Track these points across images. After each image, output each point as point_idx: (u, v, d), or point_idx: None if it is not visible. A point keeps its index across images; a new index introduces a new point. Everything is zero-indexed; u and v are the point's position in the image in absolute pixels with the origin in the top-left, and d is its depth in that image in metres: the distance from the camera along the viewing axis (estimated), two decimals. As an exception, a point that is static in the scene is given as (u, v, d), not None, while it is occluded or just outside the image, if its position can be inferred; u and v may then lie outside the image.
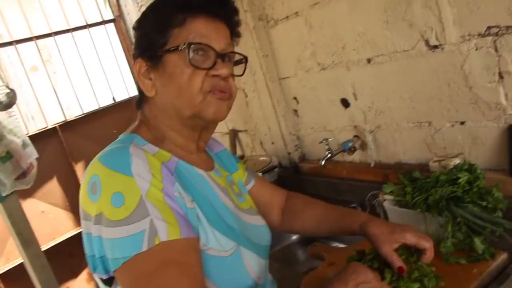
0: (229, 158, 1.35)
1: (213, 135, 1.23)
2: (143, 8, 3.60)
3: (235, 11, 1.12)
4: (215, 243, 0.98)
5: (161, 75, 1.03)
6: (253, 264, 1.07)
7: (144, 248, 0.84)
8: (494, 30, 1.35)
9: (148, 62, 1.05)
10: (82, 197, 0.94)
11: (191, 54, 1.00)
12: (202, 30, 1.02)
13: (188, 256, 0.89)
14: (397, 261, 1.06)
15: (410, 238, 1.10)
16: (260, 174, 2.21)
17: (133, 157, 0.91)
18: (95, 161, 0.94)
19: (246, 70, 1.16)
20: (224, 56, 1.05)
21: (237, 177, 1.31)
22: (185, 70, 1.00)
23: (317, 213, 1.36)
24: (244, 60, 1.15)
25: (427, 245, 1.10)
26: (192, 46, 1.00)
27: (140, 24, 1.08)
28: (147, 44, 1.05)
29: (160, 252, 0.85)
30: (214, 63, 1.02)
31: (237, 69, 1.14)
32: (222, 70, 1.02)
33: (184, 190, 0.97)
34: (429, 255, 1.10)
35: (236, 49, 1.15)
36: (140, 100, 1.12)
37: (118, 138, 1.06)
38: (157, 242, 0.85)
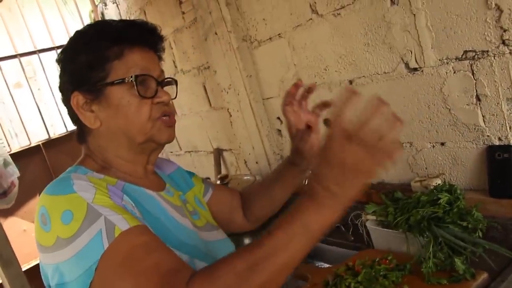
0: (183, 177, 1.36)
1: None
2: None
3: (161, 39, 1.17)
4: None
5: (106, 107, 1.05)
6: None
7: (106, 245, 0.84)
8: (471, 54, 1.39)
9: (87, 95, 1.05)
10: (36, 232, 0.94)
11: (137, 86, 1.04)
12: (141, 61, 1.07)
13: (150, 236, 0.90)
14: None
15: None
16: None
17: (74, 179, 0.94)
18: (41, 196, 0.95)
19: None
20: (162, 83, 1.10)
21: (191, 195, 1.32)
22: (132, 101, 1.04)
23: (264, 189, 1.40)
24: (175, 83, 1.20)
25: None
26: (138, 78, 1.04)
27: (71, 59, 1.08)
28: (84, 79, 1.05)
29: (125, 240, 0.86)
30: (156, 91, 1.07)
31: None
32: (165, 97, 1.08)
33: (132, 206, 0.99)
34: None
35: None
36: (81, 133, 1.13)
37: (63, 173, 1.07)
38: (118, 233, 0.86)
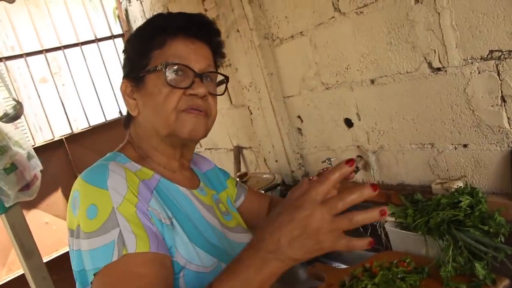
0: (218, 176, 1.36)
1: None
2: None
3: (217, 33, 1.15)
4: (196, 259, 0.99)
5: (143, 95, 1.07)
6: None
7: (114, 259, 0.85)
8: (497, 54, 1.35)
9: (131, 83, 1.09)
10: (68, 214, 0.96)
11: (169, 74, 1.03)
12: (181, 51, 1.05)
13: (153, 269, 0.89)
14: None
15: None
16: (262, 191, 2.20)
17: (110, 172, 0.94)
18: (78, 178, 0.96)
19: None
20: (202, 76, 1.07)
21: (224, 196, 1.32)
22: (162, 89, 1.03)
23: None
24: (226, 80, 1.17)
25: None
26: (168, 66, 1.03)
27: (125, 47, 1.14)
28: (131, 66, 1.10)
29: (126, 263, 0.86)
30: (192, 83, 1.04)
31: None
32: (199, 89, 1.04)
33: (162, 207, 0.99)
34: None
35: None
36: (128, 119, 1.16)
37: (104, 157, 1.09)
38: (124, 253, 0.86)
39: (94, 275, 0.86)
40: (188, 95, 1.04)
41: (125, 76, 1.11)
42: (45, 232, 3.53)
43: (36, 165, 2.58)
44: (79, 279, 0.92)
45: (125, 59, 1.13)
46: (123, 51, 1.14)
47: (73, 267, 0.97)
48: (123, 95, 1.10)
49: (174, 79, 1.03)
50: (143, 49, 1.07)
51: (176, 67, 1.04)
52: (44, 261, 2.74)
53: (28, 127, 3.70)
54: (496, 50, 1.36)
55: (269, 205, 1.46)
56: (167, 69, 1.03)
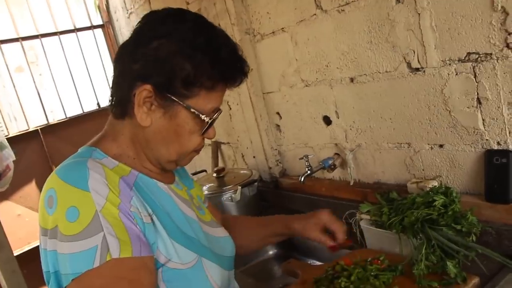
0: (187, 175, 1.37)
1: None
2: (133, 16, 3.50)
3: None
4: (175, 255, 0.99)
5: (167, 118, 1.02)
6: (215, 275, 1.08)
7: (96, 264, 0.84)
8: (474, 56, 1.37)
9: (157, 98, 0.99)
10: (40, 212, 0.93)
11: (207, 127, 1.06)
12: (219, 98, 1.08)
13: (139, 274, 0.89)
14: (328, 241, 1.34)
15: (325, 219, 1.35)
16: (239, 187, 2.20)
17: (90, 171, 0.91)
18: (52, 175, 0.93)
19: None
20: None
21: (195, 193, 1.32)
22: (192, 130, 1.05)
23: (244, 230, 1.44)
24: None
25: (334, 226, 1.35)
26: (210, 122, 1.06)
27: (169, 57, 0.98)
28: (169, 84, 0.99)
29: (111, 268, 0.85)
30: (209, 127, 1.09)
31: None
32: (212, 135, 1.10)
33: (142, 204, 0.98)
34: (338, 236, 1.34)
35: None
36: (124, 113, 1.05)
37: (77, 152, 1.05)
38: (108, 259, 0.85)
39: (72, 279, 0.84)
40: (203, 137, 1.09)
41: (151, 82, 0.98)
42: (17, 225, 3.46)
43: (9, 156, 2.52)
44: (55, 280, 0.90)
45: (161, 67, 0.98)
46: (158, 50, 0.98)
47: (43, 267, 0.94)
48: (137, 99, 0.98)
49: (205, 130, 1.07)
50: (193, 81, 0.99)
51: (211, 121, 1.06)
52: (15, 254, 2.68)
53: (2, 116, 3.61)
54: (474, 53, 1.37)
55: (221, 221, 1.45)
56: (207, 123, 1.05)
